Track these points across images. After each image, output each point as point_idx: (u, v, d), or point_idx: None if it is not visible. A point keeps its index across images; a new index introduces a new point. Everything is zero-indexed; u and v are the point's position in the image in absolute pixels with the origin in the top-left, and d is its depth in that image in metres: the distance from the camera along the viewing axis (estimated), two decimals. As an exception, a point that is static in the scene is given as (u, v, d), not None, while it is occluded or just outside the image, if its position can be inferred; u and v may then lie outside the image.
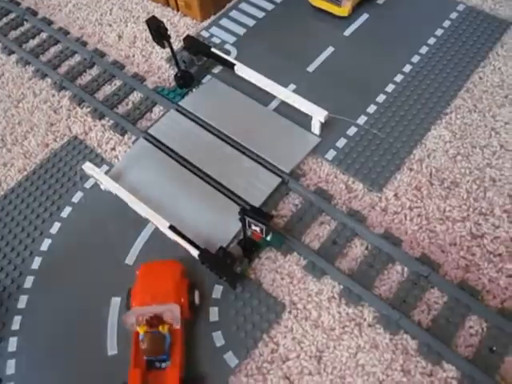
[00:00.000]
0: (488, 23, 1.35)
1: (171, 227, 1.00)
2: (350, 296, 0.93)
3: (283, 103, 1.21)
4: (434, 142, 1.14)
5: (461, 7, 1.40)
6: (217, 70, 1.32)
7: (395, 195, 1.07)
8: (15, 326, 0.97)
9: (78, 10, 1.55)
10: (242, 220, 0.89)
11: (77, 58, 1.41)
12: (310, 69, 1.30)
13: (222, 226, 1.04)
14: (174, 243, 1.01)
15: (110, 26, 1.49)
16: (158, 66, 1.36)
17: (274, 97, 1.22)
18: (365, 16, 1.41)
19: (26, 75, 1.38)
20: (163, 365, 0.87)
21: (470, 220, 1.02)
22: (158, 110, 1.27)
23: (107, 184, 1.08)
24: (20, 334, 0.96)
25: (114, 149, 1.20)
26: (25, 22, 1.53)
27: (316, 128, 1.15)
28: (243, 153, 1.15)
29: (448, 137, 1.14)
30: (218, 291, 0.97)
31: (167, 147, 1.17)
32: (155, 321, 0.85)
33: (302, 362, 0.88)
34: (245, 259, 0.98)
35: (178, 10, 1.49)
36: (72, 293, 1.00)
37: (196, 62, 1.32)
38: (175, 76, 1.27)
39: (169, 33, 1.15)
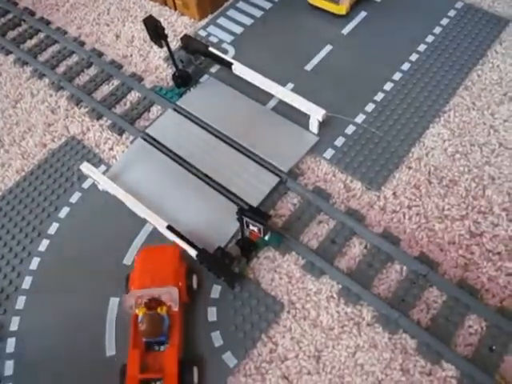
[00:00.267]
0: (486, 21, 1.34)
1: (169, 227, 0.99)
2: (349, 295, 0.93)
3: (281, 102, 1.20)
4: (432, 141, 1.13)
5: (459, 5, 1.39)
6: (214, 69, 1.32)
7: (394, 194, 1.06)
8: (13, 326, 0.97)
9: (75, 10, 1.55)
10: (240, 220, 0.89)
11: (74, 57, 1.40)
12: (308, 67, 1.30)
13: (220, 225, 1.04)
14: (172, 243, 1.00)
15: (108, 25, 1.48)
16: (156, 65, 1.36)
17: (271, 96, 1.22)
18: (363, 14, 1.40)
19: (24, 75, 1.38)
20: (162, 348, 0.89)
21: (468, 218, 1.01)
22: (155, 109, 1.26)
23: (105, 184, 1.07)
24: (18, 334, 0.96)
25: (111, 149, 1.20)
26: (22, 22, 1.52)
27: (314, 127, 1.15)
28: (241, 152, 1.14)
29: (446, 135, 1.14)
30: (216, 291, 0.97)
31: (165, 147, 1.17)
32: (154, 303, 0.87)
33: (301, 362, 0.88)
34: (243, 259, 0.97)
35: (175, 9, 1.48)
36: (70, 293, 1.00)
37: (194, 62, 1.32)
38: (173, 75, 1.27)
39: (166, 32, 1.14)
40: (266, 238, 0.94)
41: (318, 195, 1.05)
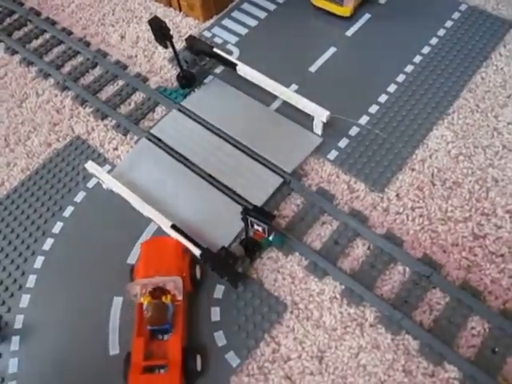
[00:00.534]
0: (490, 23, 1.35)
1: (173, 226, 1.00)
2: (352, 296, 0.93)
3: (285, 103, 1.21)
4: (436, 143, 1.13)
5: (463, 7, 1.39)
6: (219, 70, 1.33)
7: (397, 195, 1.06)
8: (18, 324, 0.97)
9: (80, 11, 1.55)
10: (245, 220, 0.89)
11: (79, 58, 1.41)
12: (312, 69, 1.30)
13: (223, 225, 1.04)
14: (176, 243, 1.01)
15: (113, 26, 1.49)
16: (161, 66, 1.36)
17: (275, 97, 1.22)
18: (367, 16, 1.41)
19: (29, 75, 1.39)
20: (165, 337, 0.91)
21: (472, 220, 1.02)
22: (160, 110, 1.27)
23: (109, 183, 1.08)
24: (22, 333, 0.96)
25: (116, 149, 1.21)
26: (28, 23, 1.53)
27: (318, 128, 1.15)
28: (245, 153, 1.15)
29: (450, 137, 1.14)
30: (219, 291, 0.97)
31: (169, 147, 1.17)
32: (158, 292, 0.88)
33: (304, 362, 0.88)
34: (246, 259, 0.98)
35: (180, 11, 1.49)
36: (74, 292, 1.00)
37: (198, 62, 1.33)
38: (177, 76, 1.27)
39: (171, 33, 1.15)
40: (271, 238, 0.94)
41: (322, 196, 1.05)
